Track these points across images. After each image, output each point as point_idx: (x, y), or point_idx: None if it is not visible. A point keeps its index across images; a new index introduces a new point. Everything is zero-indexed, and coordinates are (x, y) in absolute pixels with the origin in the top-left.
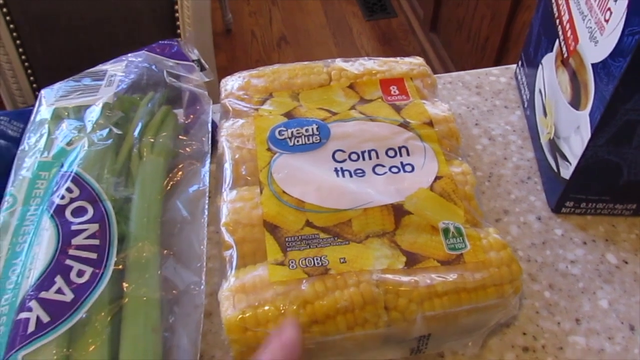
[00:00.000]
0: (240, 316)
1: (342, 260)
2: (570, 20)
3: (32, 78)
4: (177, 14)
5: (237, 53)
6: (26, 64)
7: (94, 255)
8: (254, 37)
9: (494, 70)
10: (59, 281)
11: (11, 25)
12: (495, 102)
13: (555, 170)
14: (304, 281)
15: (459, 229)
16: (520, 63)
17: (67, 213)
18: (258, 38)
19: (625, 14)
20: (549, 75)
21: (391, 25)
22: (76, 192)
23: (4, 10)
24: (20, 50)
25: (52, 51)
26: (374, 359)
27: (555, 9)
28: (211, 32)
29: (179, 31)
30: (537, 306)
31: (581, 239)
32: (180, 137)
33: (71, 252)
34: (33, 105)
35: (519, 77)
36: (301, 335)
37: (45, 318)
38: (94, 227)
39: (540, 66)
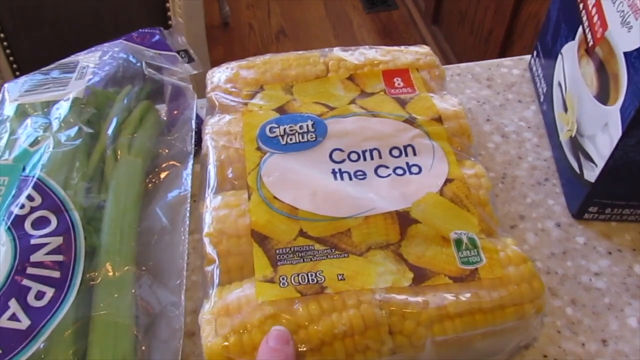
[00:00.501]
0: (222, 344)
1: (340, 277)
2: (598, 4)
3: (17, 73)
4: (167, 4)
5: (234, 46)
6: (11, 58)
7: (56, 274)
8: (252, 30)
9: (506, 61)
10: (13, 306)
11: None
12: (508, 95)
13: (578, 171)
14: (297, 302)
15: (473, 240)
16: (535, 53)
17: (27, 225)
18: (256, 31)
19: None
20: (571, 66)
21: (392, 17)
22: (38, 200)
23: None
24: (5, 44)
25: (38, 45)
26: None
27: None
28: (204, 24)
29: (170, 22)
30: (558, 325)
31: (606, 248)
32: (161, 135)
33: (29, 270)
34: None
35: (534, 69)
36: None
37: None
38: (57, 241)
39: (559, 56)
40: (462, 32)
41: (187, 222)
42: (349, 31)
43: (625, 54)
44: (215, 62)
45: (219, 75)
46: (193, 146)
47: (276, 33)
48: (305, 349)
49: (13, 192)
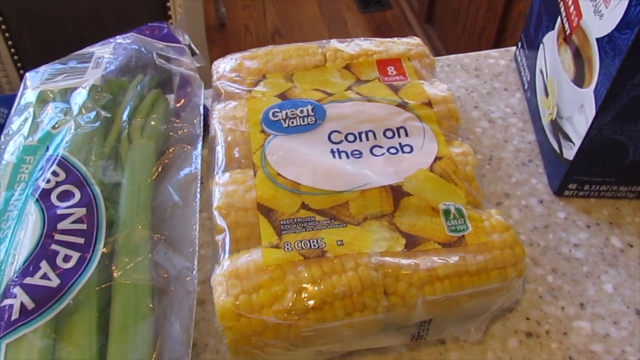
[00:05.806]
0: (234, 302)
1: (339, 243)
2: None
3: (21, 72)
4: (168, 3)
5: (230, 47)
6: (15, 57)
7: (81, 240)
8: (248, 30)
9: (493, 52)
10: (44, 266)
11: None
12: (495, 84)
13: (558, 151)
14: (300, 265)
15: (460, 211)
16: (520, 45)
17: (53, 197)
18: (252, 32)
19: None
20: (551, 54)
21: (386, 17)
22: (62, 175)
23: None
24: (10, 43)
25: (41, 43)
26: (373, 346)
27: None
28: (203, 24)
29: (170, 21)
30: (540, 291)
31: (585, 222)
32: (171, 120)
33: (57, 236)
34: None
35: (519, 59)
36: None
37: (30, 305)
38: (80, 212)
39: (541, 46)
40: (455, 31)
41: (198, 197)
42: (344, 31)
43: (597, 39)
44: (213, 63)
45: (224, 65)
46: (202, 129)
47: (272, 33)
48: (308, 307)
49: (39, 169)
